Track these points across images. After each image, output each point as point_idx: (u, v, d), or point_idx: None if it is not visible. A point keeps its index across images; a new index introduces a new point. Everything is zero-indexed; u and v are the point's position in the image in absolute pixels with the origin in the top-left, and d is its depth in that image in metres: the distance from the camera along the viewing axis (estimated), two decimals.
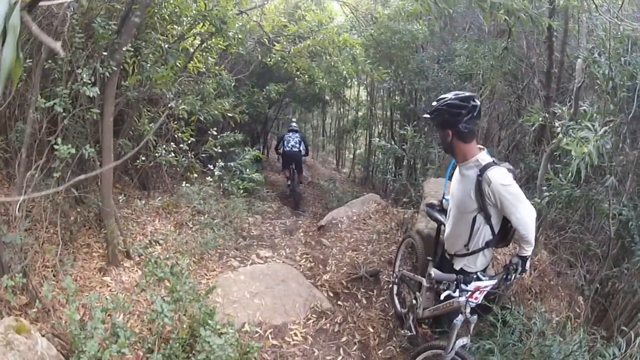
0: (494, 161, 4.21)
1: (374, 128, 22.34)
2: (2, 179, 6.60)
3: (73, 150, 5.45)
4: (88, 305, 4.91)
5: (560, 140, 5.28)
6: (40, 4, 1.47)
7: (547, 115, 6.77)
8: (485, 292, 4.36)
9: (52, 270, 5.85)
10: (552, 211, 6.28)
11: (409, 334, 5.63)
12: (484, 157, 4.27)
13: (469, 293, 4.21)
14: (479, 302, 4.42)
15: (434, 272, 4.33)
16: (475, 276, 4.33)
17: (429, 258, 5.45)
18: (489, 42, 11.28)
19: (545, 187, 6.03)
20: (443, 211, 5.30)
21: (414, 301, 5.58)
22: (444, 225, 5.08)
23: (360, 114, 24.77)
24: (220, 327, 4.88)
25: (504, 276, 4.37)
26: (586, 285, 6.12)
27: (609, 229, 5.74)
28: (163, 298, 4.99)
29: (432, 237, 6.12)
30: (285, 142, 15.50)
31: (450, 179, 4.93)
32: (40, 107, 5.77)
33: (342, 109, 26.74)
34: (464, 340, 4.40)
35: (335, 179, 20.68)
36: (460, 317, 4.32)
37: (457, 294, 4.22)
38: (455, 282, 4.23)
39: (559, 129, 5.62)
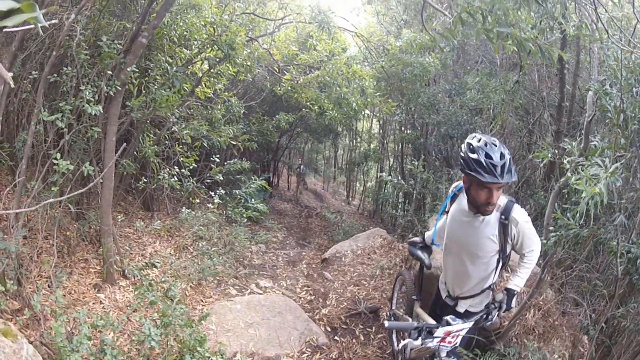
0: (510, 200, 4.05)
1: (385, 161, 22.31)
2: (7, 184, 6.55)
3: (71, 167, 5.42)
4: (78, 320, 4.80)
5: (569, 178, 5.15)
6: (5, 30, 1.41)
7: (557, 151, 6.64)
8: (461, 335, 4.13)
9: (46, 281, 5.78)
10: (559, 251, 6.14)
11: None
12: (501, 197, 4.05)
13: (440, 339, 4.01)
14: (457, 345, 4.22)
15: (387, 323, 4.17)
16: (444, 321, 4.08)
17: (414, 297, 5.32)
18: (500, 76, 11.23)
19: (552, 227, 5.88)
20: (426, 248, 5.12)
21: (403, 340, 5.42)
22: (427, 265, 4.99)
23: (372, 146, 24.75)
24: (210, 354, 4.77)
25: (484, 316, 4.15)
26: (591, 325, 5.94)
27: (617, 268, 5.58)
28: (155, 321, 4.91)
29: (435, 276, 5.99)
30: None
31: (440, 217, 4.75)
32: (43, 120, 5.74)
33: (354, 141, 26.76)
34: None
35: (343, 212, 20.61)
36: None
37: (418, 342, 4.00)
38: (417, 331, 4.04)
39: (568, 165, 5.48)
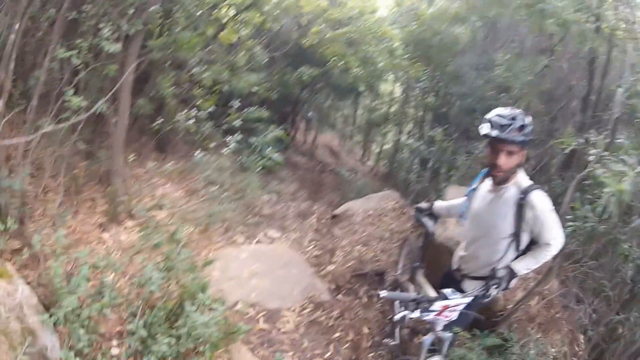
0: (534, 184, 3.94)
1: (404, 126, 22.12)
2: (18, 123, 6.45)
3: (84, 103, 5.28)
4: (79, 260, 4.72)
5: (595, 170, 5.01)
6: None
7: (581, 141, 6.48)
8: (458, 310, 4.06)
9: (50, 220, 5.71)
10: (572, 242, 6.00)
11: (391, 342, 5.41)
12: (523, 176, 4.02)
13: (436, 312, 3.97)
14: (453, 319, 4.14)
15: (383, 293, 4.11)
16: (443, 294, 4.02)
17: (416, 265, 5.23)
18: (529, 58, 11.03)
19: (569, 217, 5.74)
20: (432, 216, 5.02)
21: (402, 308, 5.35)
22: (431, 233, 4.92)
23: (392, 109, 24.54)
24: (211, 302, 4.70)
25: (483, 292, 4.03)
26: (590, 325, 5.84)
27: (626, 273, 5.48)
28: (158, 264, 4.85)
29: (445, 246, 5.93)
30: None
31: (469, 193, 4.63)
32: (58, 57, 5.61)
33: (374, 102, 26.53)
34: (435, 359, 4.20)
35: (358, 171, 20.50)
36: (430, 336, 4.15)
37: (416, 314, 3.96)
38: (414, 302, 3.98)
39: (592, 158, 5.33)
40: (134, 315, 4.42)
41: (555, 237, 3.85)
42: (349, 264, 7.77)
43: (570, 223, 5.48)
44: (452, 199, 5.26)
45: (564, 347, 5.44)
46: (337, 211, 10.57)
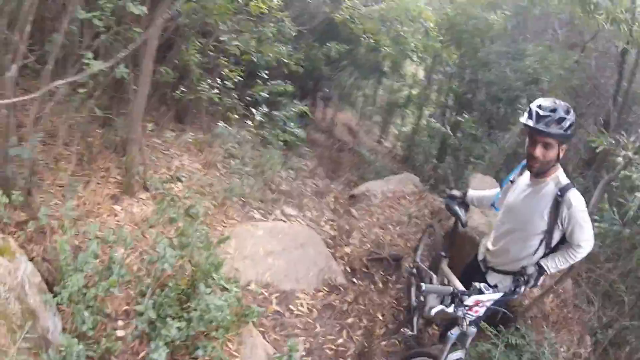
0: (572, 183, 3.89)
1: (425, 109, 22.02)
2: (34, 91, 6.27)
3: (105, 65, 5.04)
4: (88, 234, 4.54)
5: (630, 173, 4.91)
6: None
7: (612, 141, 6.36)
8: (487, 305, 4.03)
9: (60, 190, 5.52)
10: (595, 244, 5.93)
11: (408, 332, 5.37)
12: (562, 173, 3.95)
13: (468, 307, 3.92)
14: (480, 315, 4.12)
15: (424, 286, 4.10)
16: (478, 288, 3.96)
17: (442, 253, 5.24)
18: (560, 51, 10.91)
19: (596, 218, 5.63)
20: (463, 204, 5.02)
21: (422, 298, 5.28)
22: (462, 222, 4.96)
23: (414, 92, 24.43)
24: (225, 282, 4.55)
25: (513, 288, 4.04)
26: (600, 328, 5.75)
27: None
28: (172, 240, 4.69)
29: (469, 236, 5.85)
30: None
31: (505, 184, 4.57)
32: (78, 18, 5.35)
33: (397, 84, 26.40)
34: (457, 354, 4.18)
35: (376, 151, 20.42)
36: (456, 330, 4.07)
37: (451, 309, 3.94)
38: (450, 296, 3.99)
39: (621, 159, 5.23)
40: (142, 294, 4.27)
41: (587, 239, 3.86)
42: (366, 247, 7.73)
43: (597, 224, 5.40)
44: (477, 188, 5.18)
45: (579, 349, 5.39)
46: (355, 191, 10.51)
